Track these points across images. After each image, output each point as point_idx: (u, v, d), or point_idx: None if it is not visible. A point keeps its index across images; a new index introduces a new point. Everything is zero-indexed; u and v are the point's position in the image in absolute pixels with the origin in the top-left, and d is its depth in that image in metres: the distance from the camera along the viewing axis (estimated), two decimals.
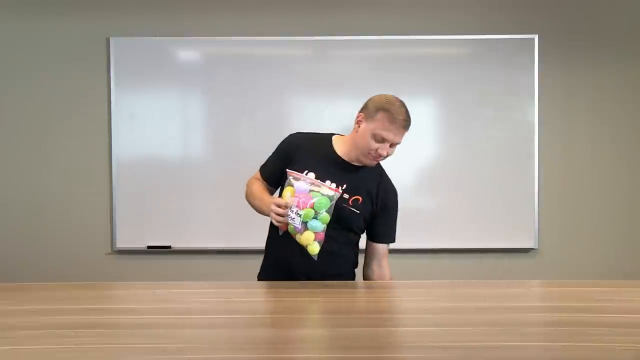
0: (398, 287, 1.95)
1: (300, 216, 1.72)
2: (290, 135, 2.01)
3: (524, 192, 3.35)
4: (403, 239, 3.36)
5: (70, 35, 3.35)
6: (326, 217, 1.74)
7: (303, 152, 1.93)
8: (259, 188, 1.98)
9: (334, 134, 2.01)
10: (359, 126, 1.88)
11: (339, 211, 1.82)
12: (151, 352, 1.22)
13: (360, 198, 1.92)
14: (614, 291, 1.82)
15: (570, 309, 1.61)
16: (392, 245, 3.49)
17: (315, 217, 1.73)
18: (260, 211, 1.92)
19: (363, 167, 1.95)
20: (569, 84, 3.38)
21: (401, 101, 1.86)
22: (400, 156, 3.31)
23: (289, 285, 1.84)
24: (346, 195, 1.89)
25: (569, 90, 3.39)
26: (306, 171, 1.86)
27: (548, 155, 3.36)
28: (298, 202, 1.74)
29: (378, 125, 1.82)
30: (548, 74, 3.34)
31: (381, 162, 2.00)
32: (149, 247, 3.35)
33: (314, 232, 1.73)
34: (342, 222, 1.87)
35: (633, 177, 3.41)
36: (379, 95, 1.88)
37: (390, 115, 1.80)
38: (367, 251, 2.04)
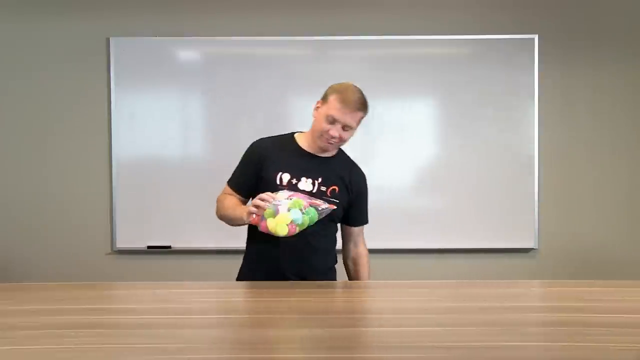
0: (398, 287, 1.95)
1: (288, 202, 1.72)
2: (254, 142, 2.05)
3: (524, 192, 3.35)
4: (403, 239, 3.40)
5: (70, 35, 3.35)
6: (313, 217, 1.75)
7: (272, 156, 1.97)
8: (232, 200, 1.98)
9: (295, 132, 2.06)
10: (316, 112, 1.96)
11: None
12: (151, 352, 1.22)
13: (337, 188, 1.97)
14: (613, 291, 1.82)
15: (570, 309, 1.61)
16: (392, 246, 3.50)
17: (301, 211, 1.73)
18: (235, 220, 1.91)
19: (333, 158, 2.01)
20: (569, 84, 3.38)
21: (357, 87, 1.94)
22: (400, 156, 3.36)
23: (287, 285, 1.84)
24: (323, 188, 1.94)
25: (569, 90, 3.39)
26: (280, 173, 1.92)
27: (548, 155, 3.36)
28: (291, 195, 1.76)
29: (330, 106, 1.89)
30: (548, 74, 3.34)
31: (346, 151, 2.06)
32: (149, 247, 3.35)
33: (290, 219, 1.71)
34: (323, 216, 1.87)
35: (633, 177, 3.41)
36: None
37: (341, 96, 1.88)
38: (343, 233, 2.10)
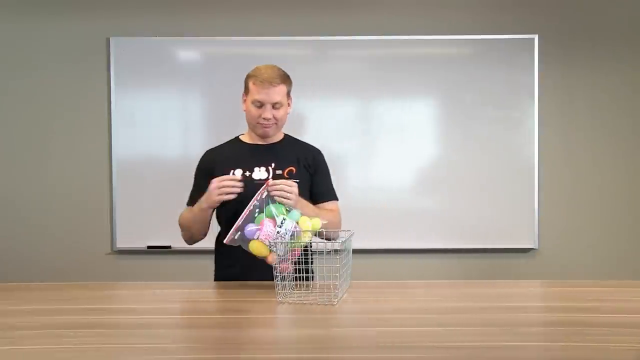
0: (398, 287, 1.95)
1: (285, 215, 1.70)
2: (201, 156, 2.11)
3: (524, 192, 3.35)
4: (403, 239, 3.39)
5: (70, 35, 3.35)
6: (318, 223, 1.71)
7: (220, 159, 2.02)
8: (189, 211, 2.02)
9: (238, 135, 2.12)
10: (244, 106, 2.01)
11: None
12: (151, 352, 1.22)
13: (294, 168, 1.99)
14: (614, 291, 1.82)
15: (570, 309, 1.61)
16: (392, 246, 3.49)
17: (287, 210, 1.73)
18: (198, 215, 1.94)
19: (281, 143, 2.05)
20: (569, 84, 3.38)
21: (270, 64, 1.98)
22: (400, 156, 3.36)
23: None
24: (279, 171, 1.97)
25: (569, 90, 3.38)
26: (231, 170, 1.95)
27: (548, 155, 3.36)
28: (267, 236, 1.68)
29: (252, 92, 1.95)
30: (548, 74, 3.34)
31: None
32: (149, 247, 3.34)
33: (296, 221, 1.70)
34: None
35: (633, 177, 3.41)
36: None
37: (257, 78, 1.93)
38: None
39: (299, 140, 2.13)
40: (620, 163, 3.40)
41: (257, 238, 1.68)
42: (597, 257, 3.39)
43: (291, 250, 1.68)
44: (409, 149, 3.36)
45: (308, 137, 3.33)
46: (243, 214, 1.72)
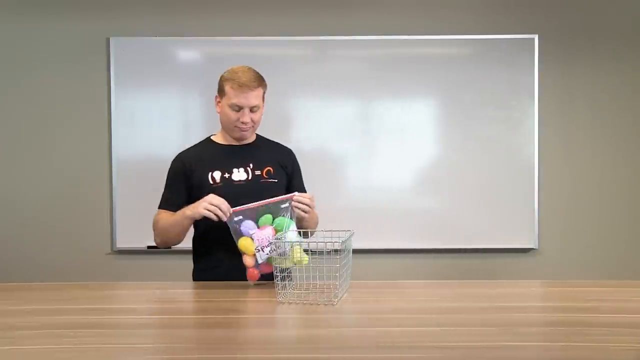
0: (398, 287, 1.95)
1: (273, 247, 1.73)
2: (174, 159, 2.07)
3: (524, 192, 3.35)
4: (403, 239, 3.39)
5: (70, 35, 3.35)
6: (306, 260, 1.74)
7: (195, 162, 2.01)
8: (166, 215, 1.98)
9: (209, 136, 2.11)
10: (218, 108, 1.99)
11: (260, 190, 1.90)
12: (151, 352, 1.22)
13: (272, 168, 2.01)
14: (614, 291, 1.82)
15: (570, 309, 1.61)
16: (392, 246, 3.49)
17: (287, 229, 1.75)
18: (177, 224, 1.91)
19: (255, 144, 2.06)
20: (569, 84, 3.38)
21: (246, 66, 1.97)
22: (400, 156, 3.36)
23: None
24: (258, 172, 1.98)
25: (569, 90, 3.38)
26: (210, 173, 1.96)
27: (548, 155, 3.36)
28: (261, 239, 1.74)
29: (229, 96, 1.93)
30: (548, 74, 3.34)
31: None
32: (149, 247, 3.34)
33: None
34: (267, 197, 1.86)
35: (633, 177, 3.40)
36: None
37: (235, 82, 1.92)
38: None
39: (270, 140, 2.14)
40: (620, 163, 3.40)
41: (251, 236, 1.74)
42: (597, 257, 3.39)
43: (267, 264, 1.75)
44: (409, 149, 3.36)
45: (308, 137, 3.36)
46: (253, 204, 1.79)
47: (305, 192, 2.08)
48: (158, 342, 1.29)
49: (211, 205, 1.79)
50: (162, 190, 1.91)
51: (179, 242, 2.01)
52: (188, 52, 3.38)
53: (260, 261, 1.75)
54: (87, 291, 1.90)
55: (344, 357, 1.23)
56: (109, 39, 3.33)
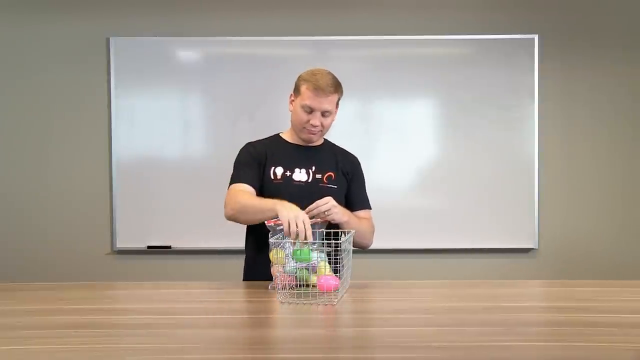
0: (398, 287, 1.95)
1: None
2: (246, 145, 2.04)
3: (524, 192, 3.35)
4: (403, 239, 3.39)
5: (70, 35, 3.35)
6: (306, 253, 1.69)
7: (265, 153, 1.99)
8: (252, 194, 1.91)
9: (278, 133, 2.09)
10: (291, 106, 1.97)
11: (317, 193, 1.85)
12: (151, 352, 1.22)
13: (333, 174, 1.99)
14: (614, 291, 1.82)
15: (570, 309, 1.61)
16: (392, 246, 3.49)
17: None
18: (262, 211, 1.79)
19: (322, 147, 2.04)
20: (568, 83, 3.38)
21: (325, 70, 1.94)
22: (400, 156, 3.36)
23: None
24: (319, 175, 1.96)
25: (569, 90, 3.39)
26: (273, 167, 1.94)
27: (548, 155, 3.36)
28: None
29: (304, 96, 1.91)
30: (548, 74, 3.34)
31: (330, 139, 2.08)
32: (149, 247, 3.35)
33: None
34: None
35: (633, 177, 3.41)
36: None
37: (312, 84, 1.89)
38: None
39: (338, 146, 2.12)
40: (620, 163, 3.40)
41: (284, 249, 1.68)
42: (597, 257, 3.39)
43: (289, 275, 1.68)
44: (409, 149, 3.36)
45: None
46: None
47: (367, 203, 2.08)
48: (158, 342, 1.29)
49: (297, 224, 1.66)
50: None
51: (247, 224, 1.97)
52: (188, 52, 3.38)
53: (287, 270, 1.69)
54: (87, 291, 1.89)
55: (344, 357, 1.23)
56: (108, 39, 3.33)
